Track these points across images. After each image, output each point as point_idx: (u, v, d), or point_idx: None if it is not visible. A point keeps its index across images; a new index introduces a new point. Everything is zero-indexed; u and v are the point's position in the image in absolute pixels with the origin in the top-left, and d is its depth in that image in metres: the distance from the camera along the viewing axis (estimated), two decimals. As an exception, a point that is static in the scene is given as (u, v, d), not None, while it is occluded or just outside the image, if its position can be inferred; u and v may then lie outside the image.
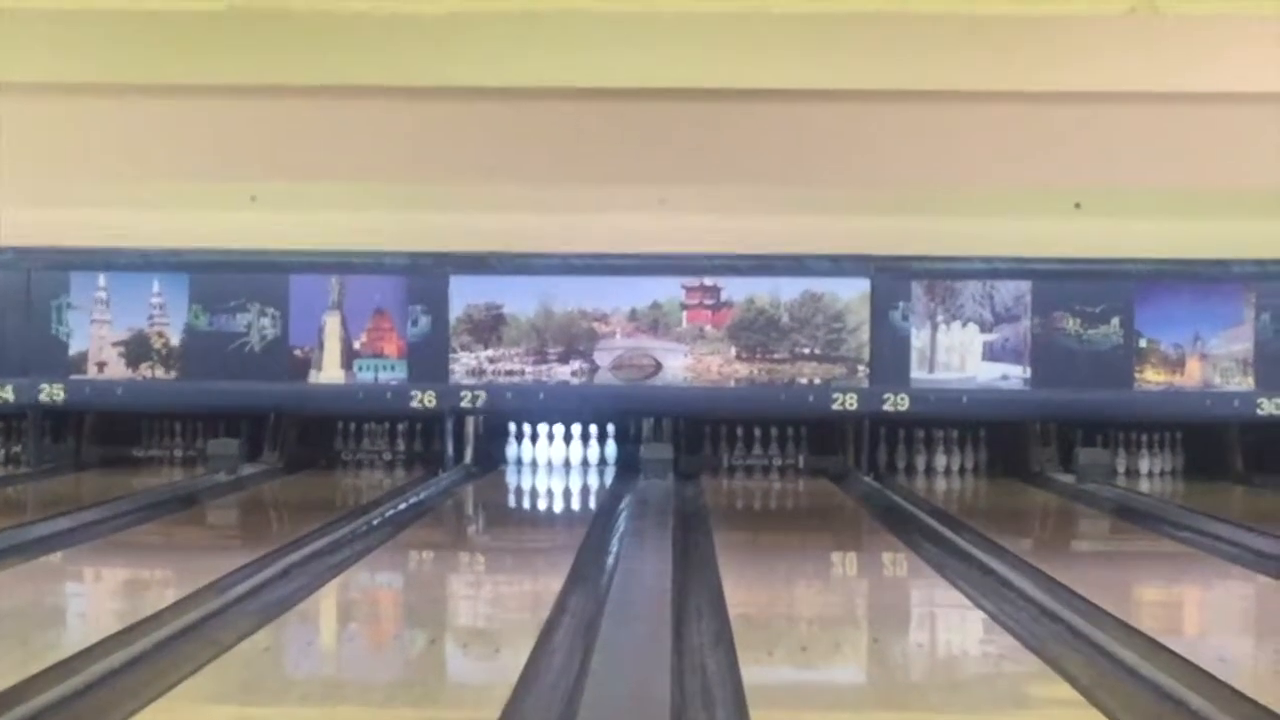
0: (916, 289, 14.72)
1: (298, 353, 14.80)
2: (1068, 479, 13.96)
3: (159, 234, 14.52)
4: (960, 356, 14.70)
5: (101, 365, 14.83)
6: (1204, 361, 14.70)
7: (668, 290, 14.79)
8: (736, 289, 14.77)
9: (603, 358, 14.72)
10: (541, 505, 13.84)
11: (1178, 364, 14.70)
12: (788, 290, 14.76)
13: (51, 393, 14.56)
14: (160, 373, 14.84)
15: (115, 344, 14.83)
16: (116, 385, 14.76)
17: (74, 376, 14.71)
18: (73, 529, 10.23)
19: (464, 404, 14.69)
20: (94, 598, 8.97)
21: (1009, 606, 7.85)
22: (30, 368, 14.50)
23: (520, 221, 14.30)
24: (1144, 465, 15.07)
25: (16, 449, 15.09)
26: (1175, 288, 14.72)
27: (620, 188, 13.39)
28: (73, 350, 14.77)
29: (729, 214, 14.21)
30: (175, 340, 14.82)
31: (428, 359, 14.70)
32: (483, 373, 14.73)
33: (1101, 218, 14.04)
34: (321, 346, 14.80)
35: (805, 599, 8.88)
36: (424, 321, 14.75)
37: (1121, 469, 14.89)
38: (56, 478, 14.24)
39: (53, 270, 14.59)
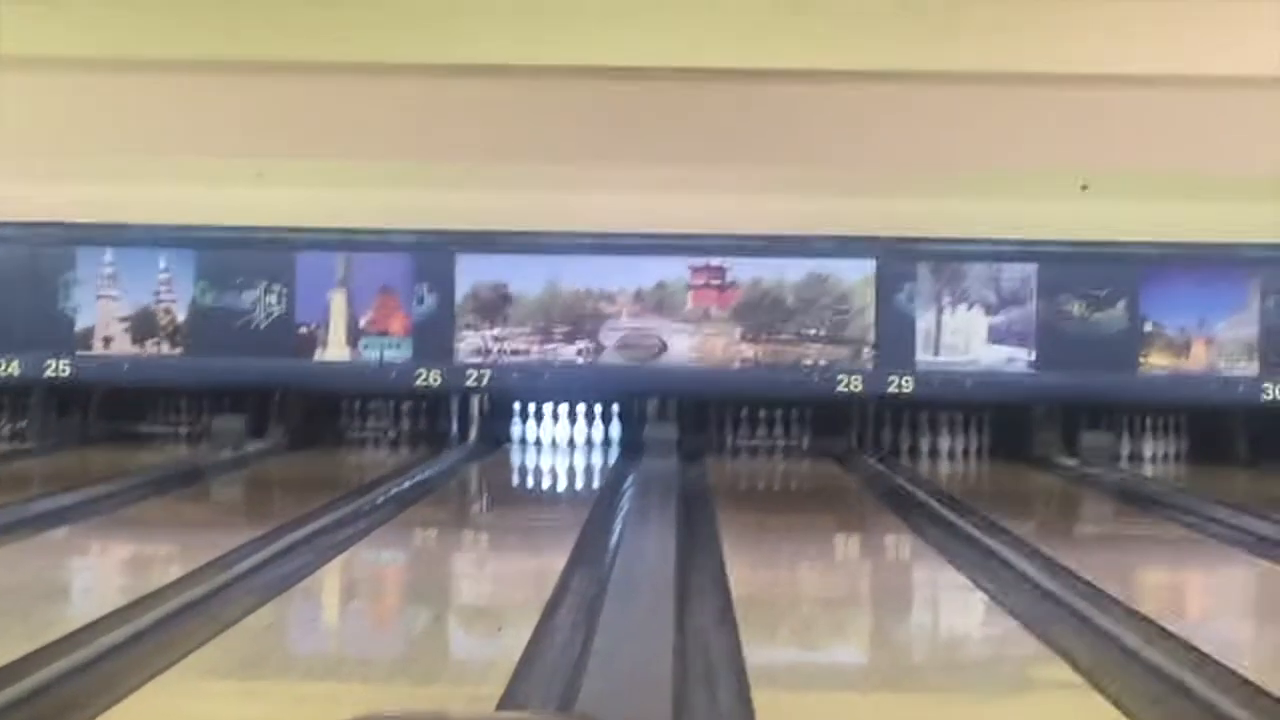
0: (922, 271, 14.72)
1: (303, 330, 14.80)
2: (1071, 463, 13.97)
3: (166, 210, 14.52)
4: (965, 339, 14.70)
5: (108, 341, 14.83)
6: (1209, 346, 14.70)
7: (674, 270, 14.78)
8: (742, 270, 14.77)
9: (608, 337, 14.72)
10: (545, 484, 13.86)
11: (1183, 348, 14.70)
12: (793, 272, 14.76)
13: (58, 368, 14.57)
14: (166, 349, 14.85)
15: (121, 320, 14.84)
16: (122, 361, 14.77)
17: (80, 352, 14.72)
18: (77, 504, 10.25)
19: (469, 383, 14.69)
20: (98, 573, 8.99)
21: (1011, 589, 7.86)
22: (36, 343, 14.51)
23: (527, 200, 14.29)
24: (1148, 449, 15.06)
25: (22, 424, 15.11)
26: (1181, 272, 14.71)
27: (627, 168, 13.37)
28: (79, 326, 14.78)
29: (735, 195, 14.20)
30: (181, 316, 14.83)
31: (433, 337, 14.71)
32: (488, 352, 14.73)
33: (1108, 201, 14.03)
34: (327, 324, 14.80)
35: (808, 580, 8.89)
36: (430, 300, 14.76)
37: (1125, 453, 14.88)
38: (62, 453, 14.26)
39: (59, 246, 14.60)
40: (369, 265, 14.84)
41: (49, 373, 14.58)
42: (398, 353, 14.77)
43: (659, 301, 14.74)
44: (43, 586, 7.77)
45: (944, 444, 15.18)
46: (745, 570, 8.32)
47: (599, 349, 14.71)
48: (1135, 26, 12.37)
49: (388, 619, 7.37)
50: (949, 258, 14.72)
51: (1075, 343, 14.60)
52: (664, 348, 14.73)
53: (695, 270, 14.78)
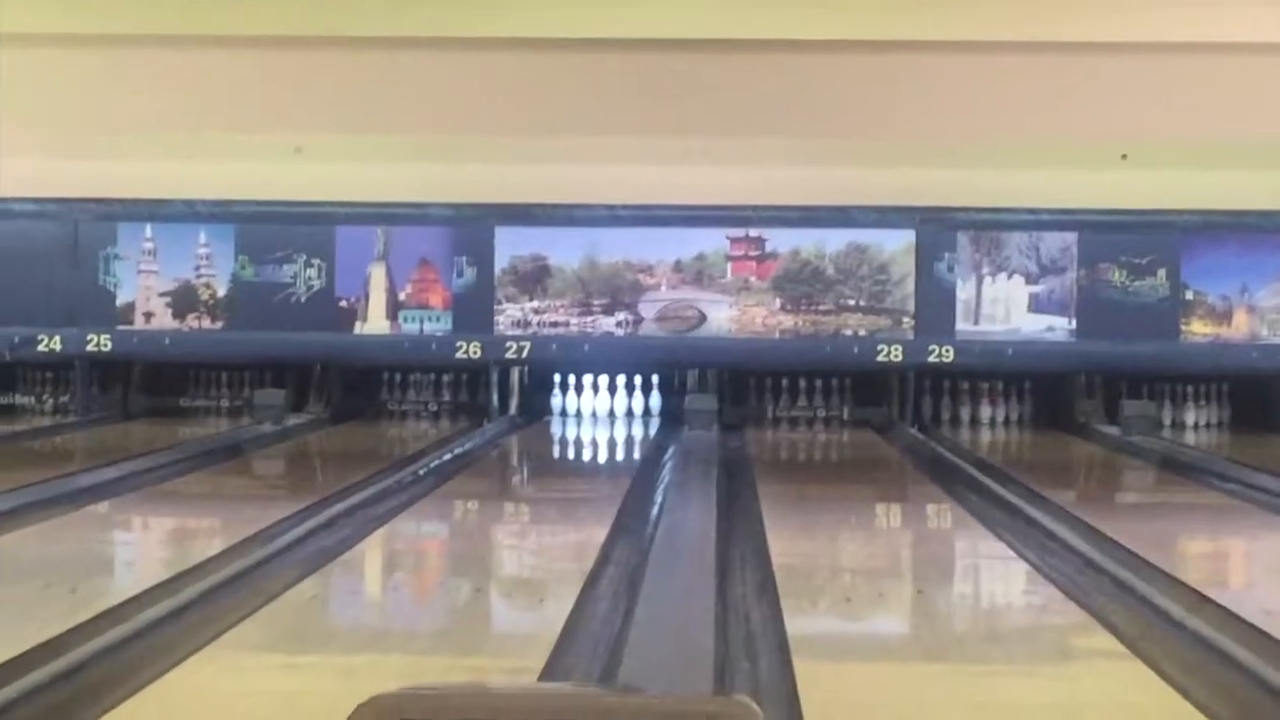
0: (962, 240, 14.69)
1: (343, 304, 14.83)
2: (1113, 431, 13.92)
3: (206, 186, 14.56)
4: (1005, 308, 14.67)
5: (149, 316, 14.89)
6: (1251, 313, 14.64)
7: (713, 242, 14.77)
8: (781, 240, 14.75)
9: (647, 309, 14.72)
10: (586, 456, 13.87)
11: (1224, 316, 14.65)
12: (833, 242, 14.73)
13: (99, 343, 14.62)
14: (207, 323, 14.89)
15: (162, 294, 14.89)
16: (163, 335, 14.82)
17: (121, 327, 14.77)
18: (120, 478, 10.29)
19: (509, 355, 14.71)
20: (141, 547, 9.03)
21: (1053, 558, 7.84)
22: (78, 318, 14.56)
23: (565, 173, 14.29)
24: (1190, 417, 15.00)
25: (64, 399, 15.18)
26: (1222, 239, 14.65)
27: (666, 139, 13.36)
28: (120, 301, 14.84)
29: (774, 165, 14.18)
30: (222, 291, 14.87)
31: (473, 310, 14.72)
32: (527, 324, 14.74)
33: (1148, 169, 13.97)
34: (367, 297, 14.83)
35: (849, 550, 8.88)
36: (469, 273, 14.77)
37: (1167, 421, 14.82)
38: (104, 427, 14.31)
39: (100, 221, 14.64)
40: (408, 238, 14.86)
41: (90, 348, 14.63)
42: (437, 325, 14.79)
43: (698, 273, 14.73)
44: (87, 560, 7.81)
45: (984, 413, 15.15)
46: (786, 541, 8.32)
47: (638, 320, 14.71)
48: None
49: (429, 591, 7.39)
50: (989, 227, 14.68)
51: (1116, 311, 14.56)
52: (703, 319, 14.73)
53: (734, 241, 14.77)
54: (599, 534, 8.24)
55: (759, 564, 7.50)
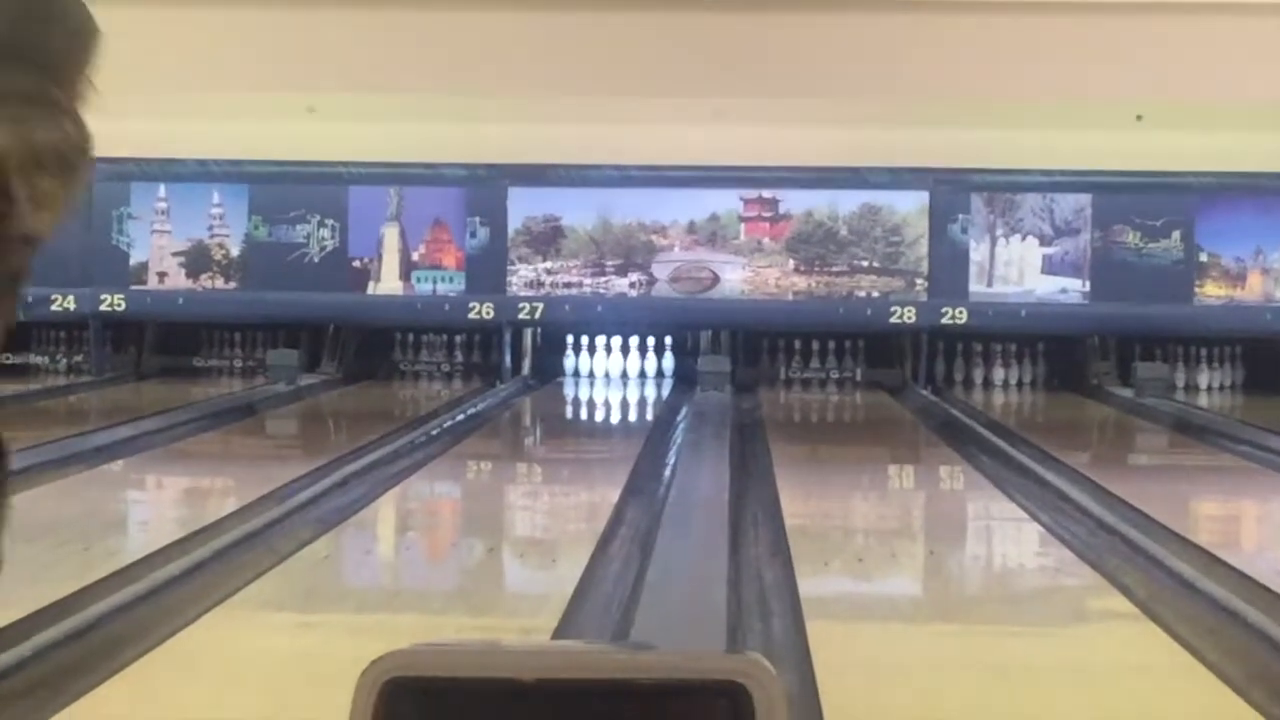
0: (976, 202, 14.67)
1: (356, 264, 14.83)
2: (1126, 393, 13.92)
3: (218, 145, 14.54)
4: (1019, 270, 14.65)
5: (162, 275, 14.90)
6: (1265, 275, 14.62)
7: (726, 203, 14.76)
8: (795, 201, 14.74)
9: (661, 270, 14.71)
10: (599, 417, 13.89)
11: (1238, 278, 14.62)
12: (846, 203, 14.72)
13: (113, 303, 14.63)
14: (220, 283, 14.90)
15: (175, 254, 14.90)
16: (177, 295, 14.84)
17: (135, 287, 14.79)
18: (134, 437, 10.31)
19: (522, 316, 14.70)
20: (155, 506, 9.05)
21: (1066, 520, 7.85)
22: (91, 278, 14.56)
23: (579, 133, 14.26)
24: (1203, 380, 14.97)
25: (78, 358, 15.19)
26: (1237, 201, 14.62)
27: (679, 100, 13.33)
28: (133, 260, 14.85)
29: (787, 126, 14.13)
30: (235, 251, 14.88)
31: (486, 271, 14.72)
32: (541, 284, 14.74)
33: (1163, 130, 13.92)
34: (380, 258, 14.83)
35: (861, 511, 8.90)
36: (482, 233, 14.77)
37: (1181, 384, 14.79)
38: (117, 386, 14.34)
39: (113, 181, 14.62)
40: (421, 199, 14.86)
41: (104, 307, 14.65)
42: (450, 286, 14.79)
43: (711, 234, 14.72)
44: (101, 518, 7.84)
45: (998, 375, 15.13)
46: (798, 502, 8.33)
47: (651, 281, 14.71)
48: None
49: (442, 551, 7.41)
50: (1003, 188, 14.66)
51: (1130, 273, 14.54)
52: (716, 280, 14.72)
53: (748, 202, 14.75)
54: (612, 495, 8.26)
55: (772, 524, 7.51)
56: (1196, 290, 14.59)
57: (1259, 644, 5.39)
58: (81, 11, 2.76)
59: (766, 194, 14.73)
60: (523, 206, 14.78)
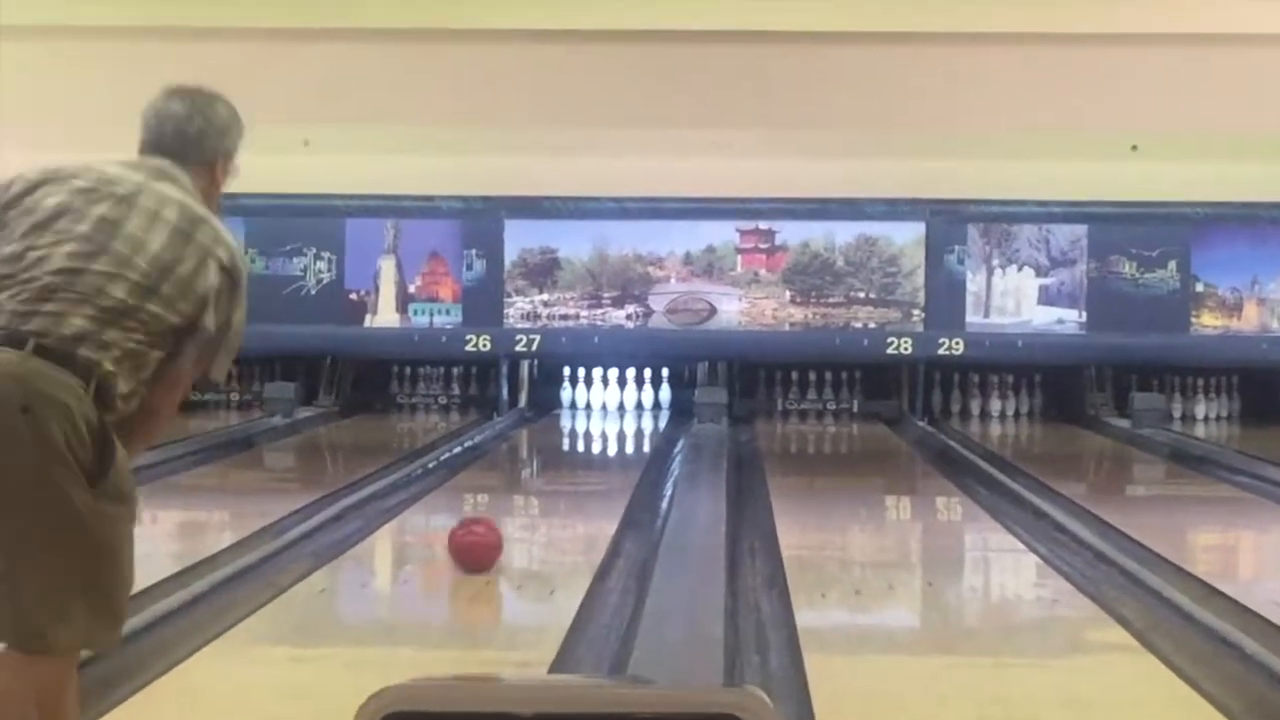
0: (972, 232, 14.68)
1: (353, 296, 14.84)
2: (1123, 424, 13.92)
3: (215, 178, 14.52)
4: (1016, 300, 14.66)
5: (158, 309, 14.87)
6: (1261, 305, 14.63)
7: (722, 234, 14.77)
8: (791, 232, 14.74)
9: (657, 301, 14.72)
10: (596, 449, 13.87)
11: (1235, 308, 14.63)
12: (843, 234, 14.73)
13: (109, 336, 14.60)
14: (216, 316, 14.87)
15: (172, 288, 14.87)
16: (173, 329, 14.81)
17: (131, 320, 14.75)
18: (130, 471, 10.27)
19: (519, 348, 14.71)
20: (151, 540, 9.02)
21: (1063, 551, 7.84)
22: (88, 311, 14.53)
23: (575, 165, 14.27)
24: (1200, 410, 14.97)
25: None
26: (1233, 231, 14.64)
27: (674, 131, 13.34)
28: (130, 294, 14.82)
29: (783, 157, 14.15)
30: (231, 284, 14.85)
31: (482, 303, 14.72)
32: (537, 316, 14.74)
33: (1158, 161, 13.94)
34: (377, 290, 14.84)
35: (859, 542, 8.89)
36: (478, 265, 14.77)
37: (1177, 414, 14.79)
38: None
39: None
40: (418, 231, 14.87)
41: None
42: (447, 318, 14.79)
43: (708, 265, 14.73)
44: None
45: (995, 406, 15.13)
46: (796, 534, 8.32)
47: (648, 313, 14.71)
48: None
49: (439, 584, 7.39)
50: (999, 219, 14.67)
51: (1126, 303, 14.54)
52: (713, 311, 14.73)
53: (744, 233, 14.76)
54: (609, 527, 8.25)
55: (769, 556, 7.50)
56: (1193, 320, 14.60)
57: (1256, 674, 5.38)
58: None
59: (763, 225, 14.74)
60: (519, 238, 14.79)
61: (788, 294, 14.71)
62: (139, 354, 3.82)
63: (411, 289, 14.83)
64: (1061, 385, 15.10)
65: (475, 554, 6.92)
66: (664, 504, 9.18)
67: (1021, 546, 8.16)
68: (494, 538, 7.04)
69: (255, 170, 14.56)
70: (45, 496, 3.69)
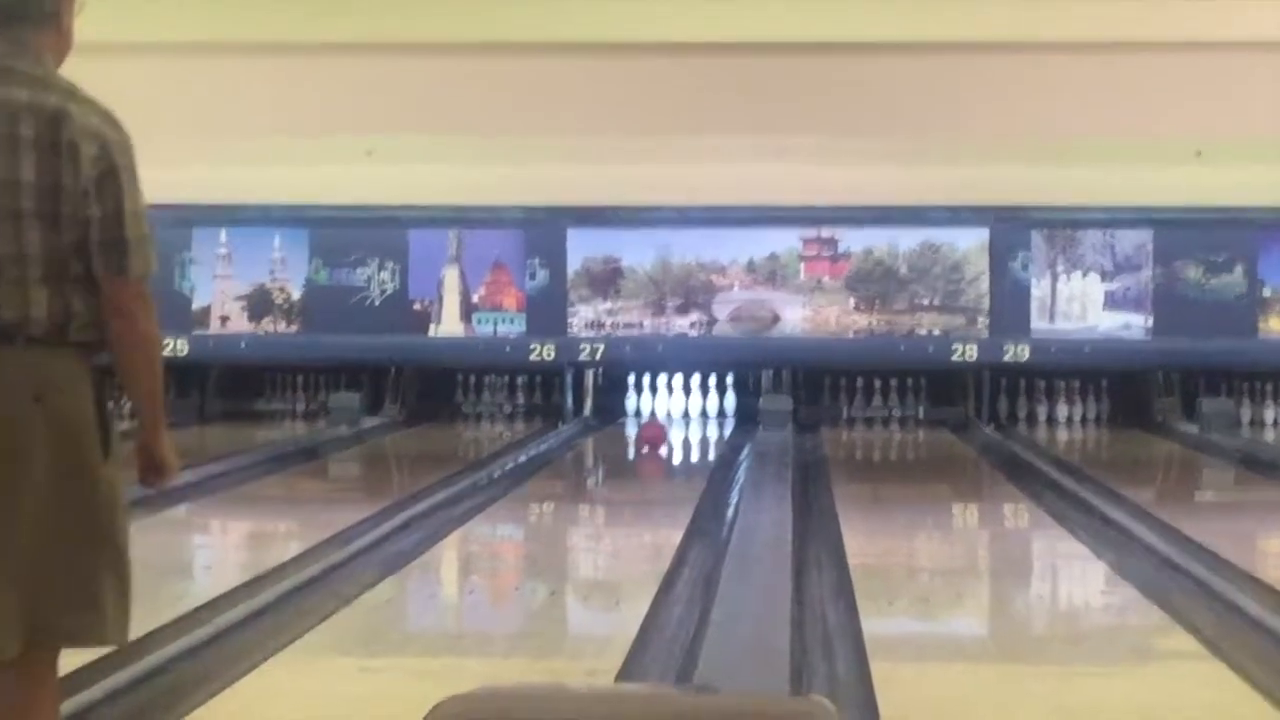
0: (1036, 238, 14.62)
1: (417, 306, 14.87)
2: (1191, 429, 13.84)
3: (279, 190, 14.62)
4: (1081, 306, 14.59)
5: (224, 320, 14.97)
6: (1329, 309, 14.53)
7: (785, 242, 14.75)
8: (854, 240, 14.72)
9: (721, 309, 14.71)
10: (661, 457, 13.87)
11: (1302, 312, 14.53)
12: (906, 241, 14.69)
13: (175, 347, 14.69)
14: (282, 327, 14.96)
15: (237, 299, 14.97)
16: (239, 339, 14.91)
17: (197, 331, 14.86)
18: (197, 482, 10.33)
19: (583, 356, 14.72)
20: (219, 550, 9.08)
21: (1132, 558, 7.80)
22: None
23: (637, 174, 14.28)
24: (1269, 414, 14.85)
25: (141, 403, 15.20)
26: (1300, 235, 14.55)
27: (737, 139, 13.33)
28: (196, 305, 14.92)
29: (846, 165, 14.12)
30: (296, 294, 14.94)
31: (546, 312, 14.74)
32: (601, 325, 14.75)
33: (1223, 166, 13.86)
34: (441, 300, 14.87)
35: (925, 550, 8.86)
36: (542, 274, 14.79)
37: (1246, 419, 14.69)
38: (181, 431, 14.36)
39: (175, 227, 14.71)
40: (481, 241, 14.90)
41: (167, 352, 14.62)
42: (511, 327, 14.82)
43: (771, 273, 14.71)
44: (166, 563, 7.85)
45: (1061, 411, 15.06)
46: (862, 541, 8.30)
47: (712, 321, 14.71)
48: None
49: (505, 594, 7.40)
50: (1063, 225, 14.61)
51: (1193, 308, 14.46)
52: (777, 319, 14.71)
53: (807, 241, 14.74)
54: (674, 536, 8.24)
55: (835, 564, 7.48)
56: (1260, 325, 14.51)
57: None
58: None
59: (826, 233, 14.72)
60: (582, 247, 14.80)
61: (851, 301, 14.68)
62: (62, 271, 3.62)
63: (475, 298, 14.86)
64: (1128, 391, 15.02)
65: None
66: (729, 512, 9.17)
67: (1089, 553, 8.12)
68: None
69: (320, 181, 14.64)
70: (68, 487, 3.59)
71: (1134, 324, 14.54)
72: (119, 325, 3.72)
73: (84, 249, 3.66)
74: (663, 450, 13.12)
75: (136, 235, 3.72)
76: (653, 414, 14.98)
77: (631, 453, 14.08)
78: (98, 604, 3.62)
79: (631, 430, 14.78)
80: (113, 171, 3.71)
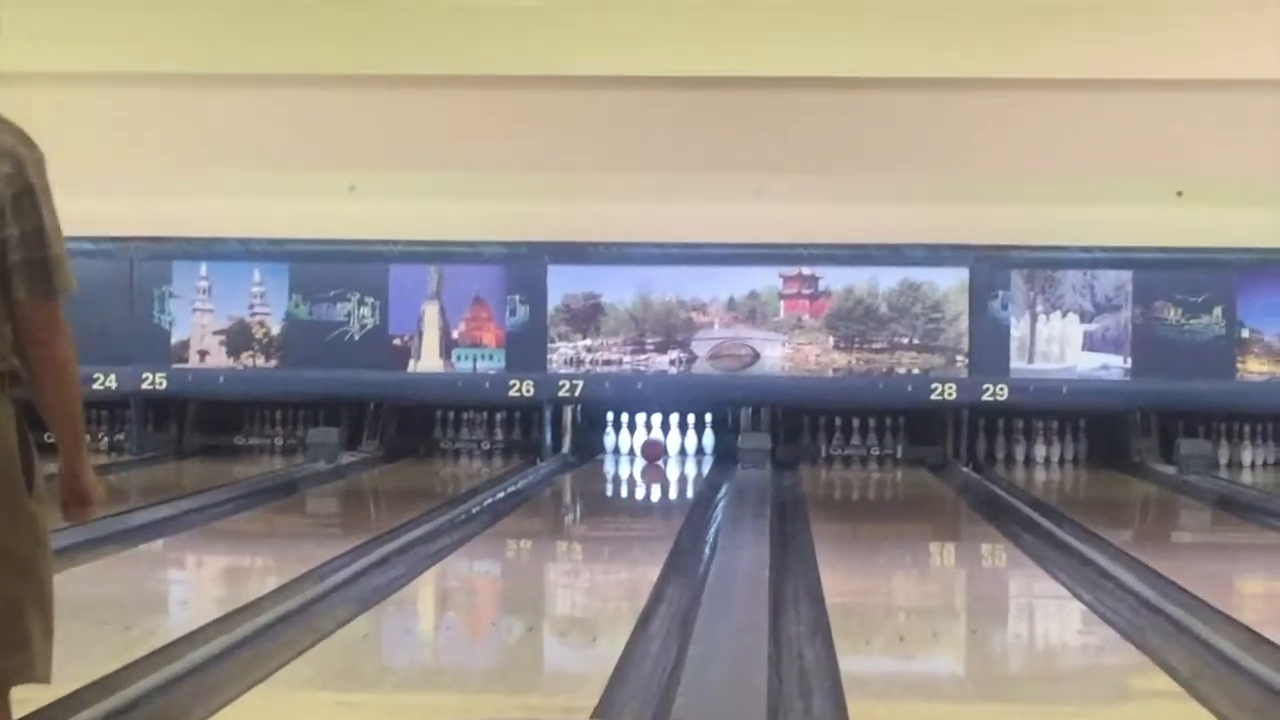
0: (1016, 278, 14.65)
1: (397, 342, 14.87)
2: (1169, 470, 13.85)
3: (259, 224, 14.63)
4: (1060, 346, 14.62)
5: (203, 354, 14.95)
6: (1308, 351, 14.56)
7: (765, 280, 14.77)
8: (834, 278, 14.74)
9: (700, 347, 14.72)
10: (639, 494, 13.86)
11: (1281, 354, 14.57)
12: (886, 280, 14.71)
13: (154, 381, 14.68)
14: (261, 361, 14.95)
15: (217, 333, 14.95)
16: (218, 374, 14.89)
17: (176, 365, 14.84)
18: (174, 516, 10.32)
19: (562, 393, 14.72)
20: (195, 584, 9.05)
21: (1109, 598, 7.80)
22: (133, 356, 14.62)
23: (618, 211, 14.31)
24: (1246, 456, 14.89)
25: (119, 436, 15.22)
26: (1279, 277, 14.57)
27: (718, 177, 13.35)
28: (175, 339, 14.91)
29: (826, 203, 14.16)
30: (276, 329, 14.93)
31: (526, 348, 14.74)
32: (580, 362, 14.75)
33: (1203, 206, 13.90)
34: (420, 335, 14.87)
35: (903, 589, 8.86)
36: (522, 311, 14.79)
37: (1224, 460, 14.72)
38: (158, 465, 14.36)
39: (155, 260, 14.72)
40: (461, 277, 14.90)
41: (145, 385, 14.69)
42: (490, 363, 14.81)
43: (751, 310, 14.73)
44: (141, 597, 7.84)
45: (1039, 452, 15.08)
46: (840, 579, 8.30)
47: (691, 359, 14.71)
48: (1228, 32, 12.27)
49: (482, 630, 7.39)
50: (1043, 264, 14.64)
51: (1171, 349, 14.49)
52: (756, 357, 14.72)
53: (787, 279, 14.76)
54: (652, 573, 8.24)
55: (813, 603, 7.48)
56: (1239, 366, 14.54)
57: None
58: None
59: (806, 271, 14.74)
60: (562, 284, 14.81)
61: (831, 340, 14.70)
62: None
63: (455, 334, 14.86)
64: (1106, 431, 15.04)
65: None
66: (707, 550, 9.17)
67: (1066, 593, 8.11)
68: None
69: (301, 216, 14.64)
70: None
71: (1112, 364, 14.57)
72: (37, 352, 3.62)
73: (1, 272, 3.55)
74: (660, 463, 14.25)
75: (58, 253, 3.59)
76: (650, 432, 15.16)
77: (610, 490, 14.07)
78: (28, 643, 3.54)
79: (609, 468, 14.78)
80: (29, 190, 3.56)
